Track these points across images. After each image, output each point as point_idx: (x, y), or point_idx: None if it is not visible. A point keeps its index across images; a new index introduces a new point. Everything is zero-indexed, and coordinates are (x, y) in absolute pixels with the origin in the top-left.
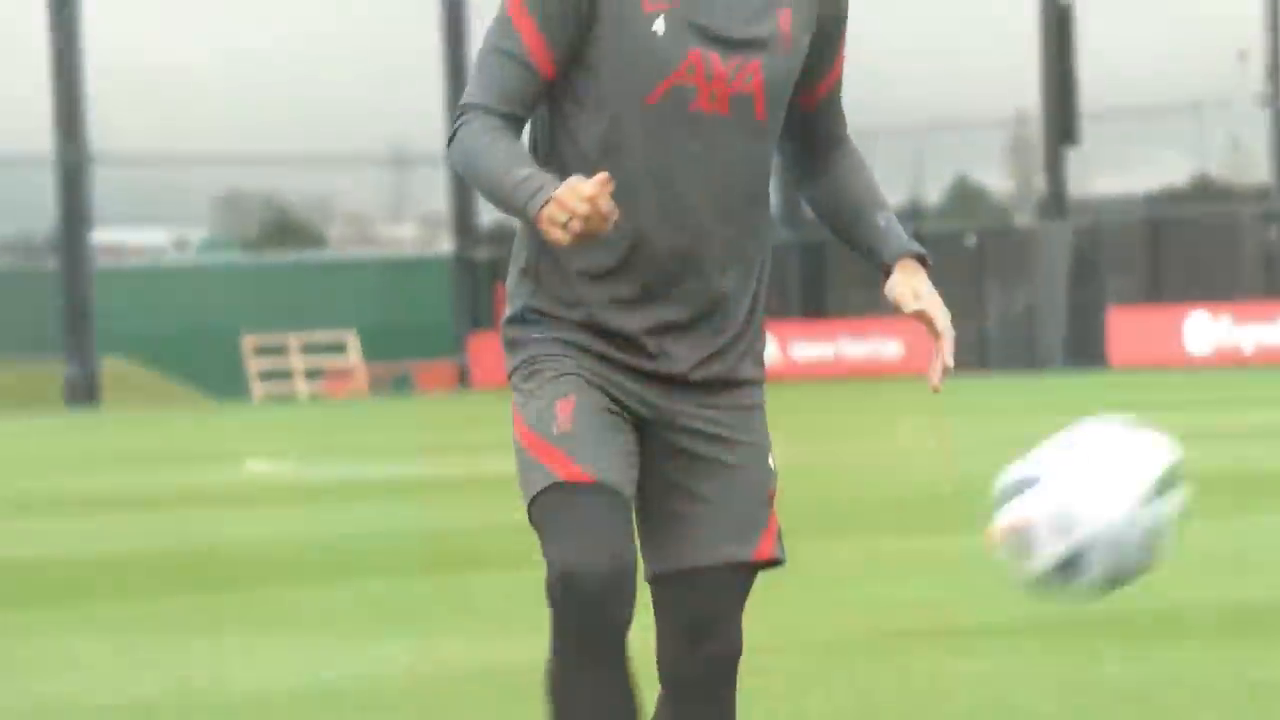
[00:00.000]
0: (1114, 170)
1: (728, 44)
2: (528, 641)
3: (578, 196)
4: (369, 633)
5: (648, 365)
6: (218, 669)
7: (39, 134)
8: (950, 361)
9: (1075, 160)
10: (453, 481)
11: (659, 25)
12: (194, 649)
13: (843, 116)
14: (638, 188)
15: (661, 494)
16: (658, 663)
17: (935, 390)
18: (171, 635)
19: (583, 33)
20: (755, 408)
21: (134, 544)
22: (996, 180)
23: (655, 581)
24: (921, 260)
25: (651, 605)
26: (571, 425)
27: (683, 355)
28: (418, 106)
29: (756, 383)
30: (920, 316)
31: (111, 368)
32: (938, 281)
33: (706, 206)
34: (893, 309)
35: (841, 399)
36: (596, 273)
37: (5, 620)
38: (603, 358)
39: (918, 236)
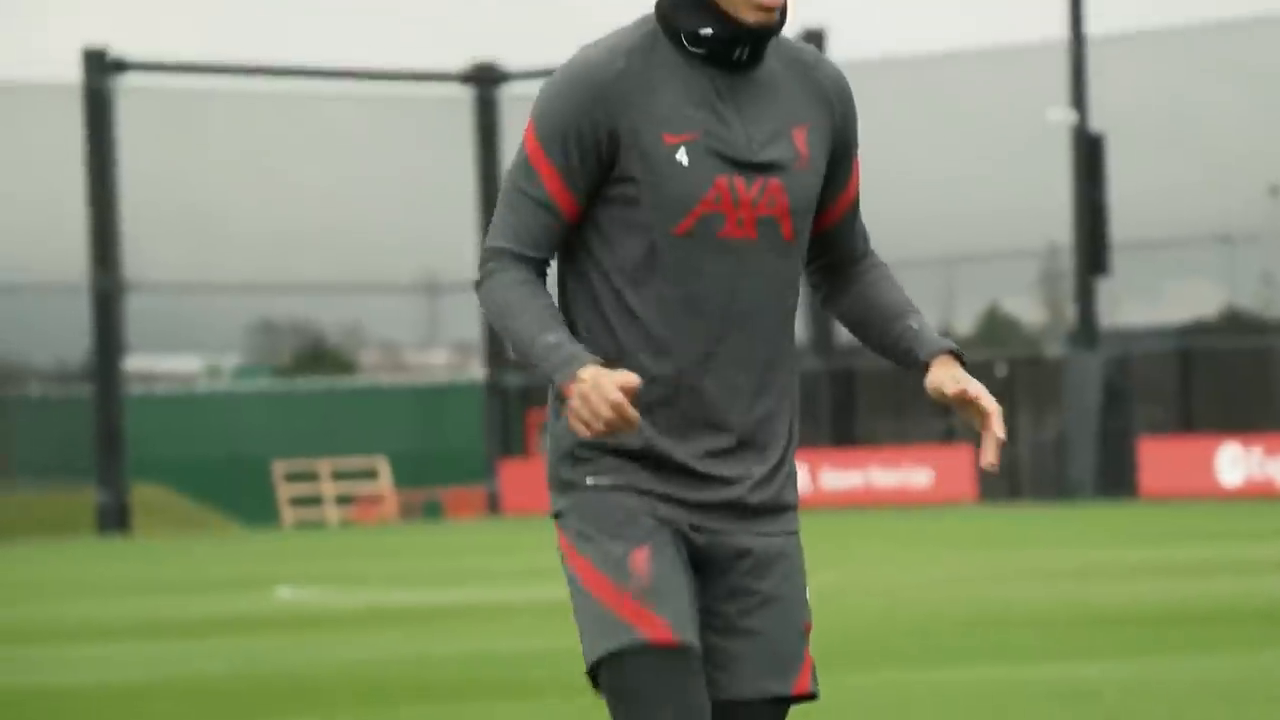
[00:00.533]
0: (1145, 301)
1: (749, 168)
2: None
3: (605, 400)
4: None
5: (703, 495)
6: None
7: (75, 262)
8: (1002, 434)
9: (1106, 291)
10: (483, 609)
11: (682, 156)
12: None
13: (865, 232)
14: (671, 316)
15: (704, 622)
16: None
17: (992, 467)
18: None
19: (605, 171)
20: (796, 534)
21: (163, 671)
22: (1028, 310)
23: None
24: (958, 357)
25: None
26: (650, 579)
27: (738, 478)
28: (450, 234)
29: (795, 508)
30: (963, 396)
31: (143, 494)
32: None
33: (741, 331)
34: (922, 438)
35: (871, 527)
36: (642, 403)
37: None
38: (659, 495)
39: None
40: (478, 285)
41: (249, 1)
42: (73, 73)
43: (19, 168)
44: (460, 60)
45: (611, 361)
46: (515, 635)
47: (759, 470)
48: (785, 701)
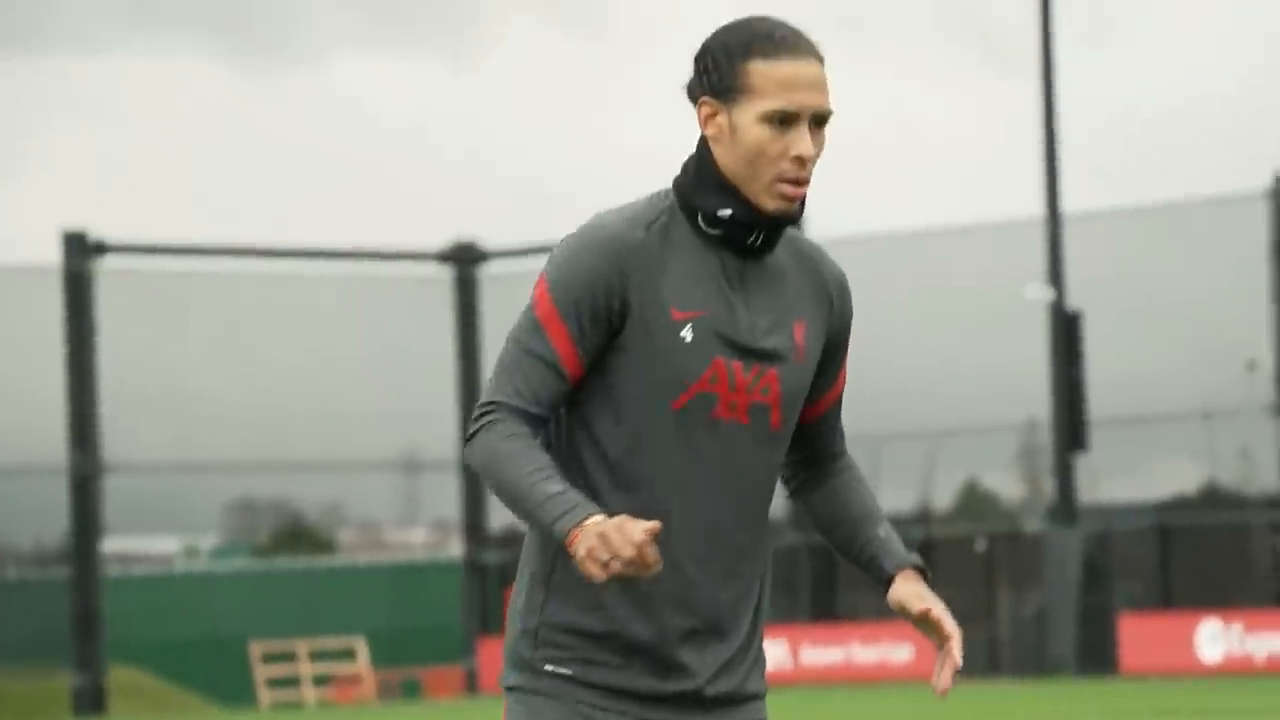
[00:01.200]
0: (1124, 477)
1: (749, 353)
2: None
3: (627, 541)
4: None
5: (664, 686)
6: None
7: (53, 444)
8: (960, 660)
9: (1085, 466)
10: None
11: (687, 333)
12: None
13: (842, 431)
14: (658, 492)
15: None
16: None
17: (943, 694)
18: None
19: (611, 338)
20: None
21: None
22: (1007, 485)
23: None
24: (923, 573)
25: None
26: None
27: (698, 667)
28: (429, 412)
29: (761, 697)
30: (926, 616)
31: (119, 677)
32: (948, 586)
33: (722, 512)
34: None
35: (852, 704)
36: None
37: None
38: (613, 689)
39: (927, 541)
40: (470, 437)
41: (228, 183)
42: (52, 255)
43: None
44: (440, 239)
45: None
46: None
47: (721, 656)
48: None
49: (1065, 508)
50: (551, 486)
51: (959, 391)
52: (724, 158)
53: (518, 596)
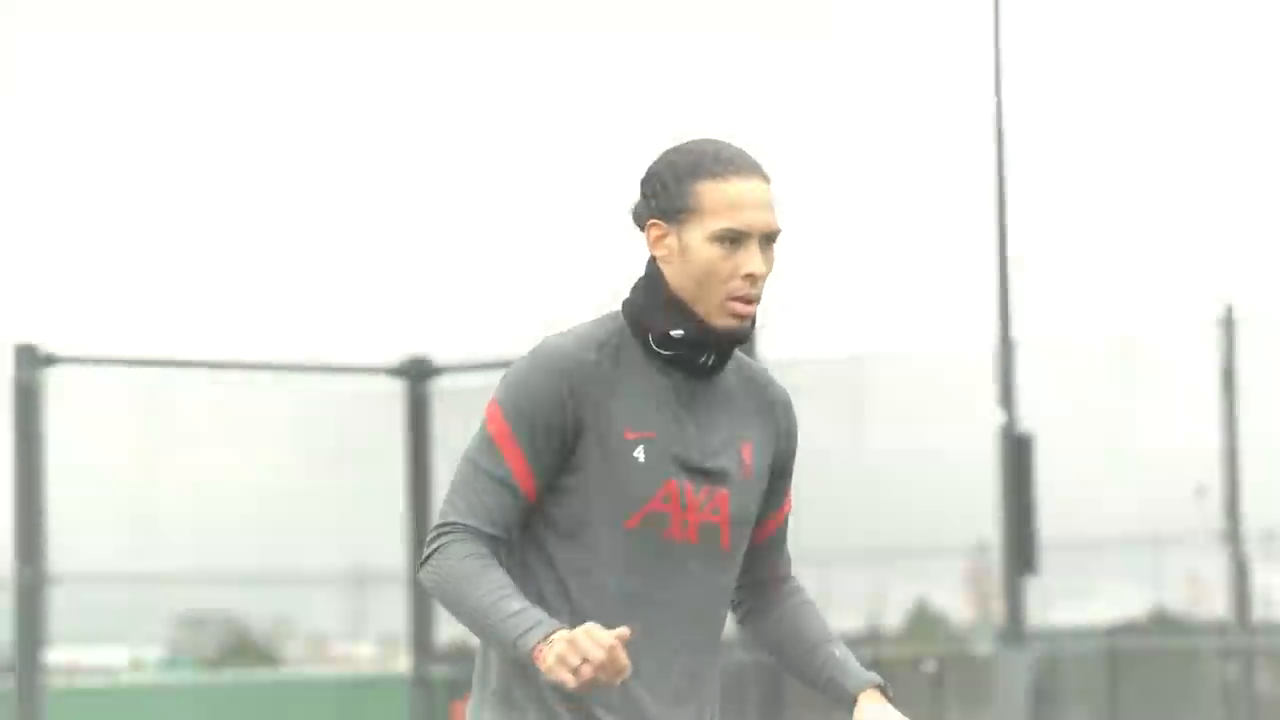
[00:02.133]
0: (1073, 600)
1: (699, 473)
2: None
3: (596, 644)
4: None
5: None
6: None
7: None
8: None
9: (1034, 589)
10: None
11: (640, 453)
12: None
13: (788, 556)
14: (611, 612)
15: None
16: None
17: None
18: None
19: (566, 458)
20: None
21: None
22: (956, 606)
23: None
24: (883, 690)
25: None
26: None
27: None
28: (379, 526)
29: None
30: None
31: None
32: (899, 707)
33: (673, 634)
34: None
35: None
36: (573, 695)
37: None
38: None
39: (877, 660)
40: (426, 559)
41: (177, 297)
42: (2, 367)
43: None
44: (391, 354)
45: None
46: None
47: None
48: None
49: (1015, 630)
50: (513, 604)
51: (909, 511)
52: (674, 278)
53: (476, 713)
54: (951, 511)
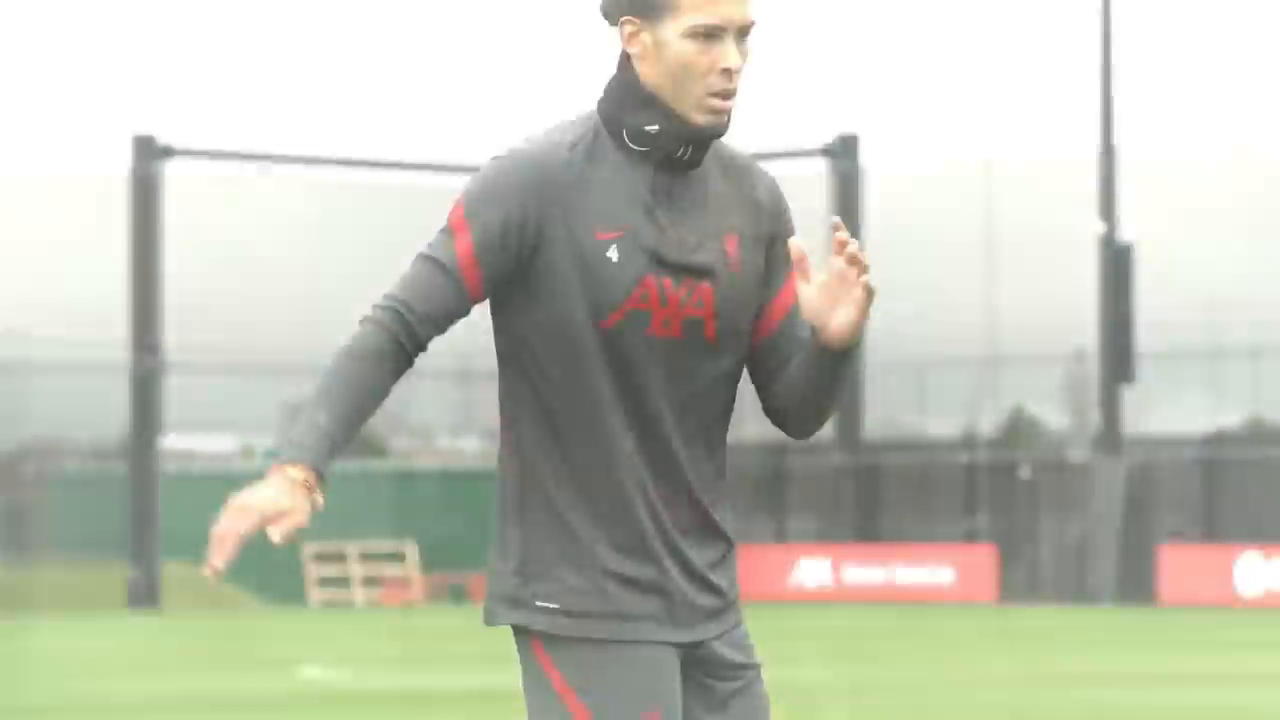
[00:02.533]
0: (1169, 409)
1: (678, 269)
2: None
3: (234, 520)
4: None
5: (645, 606)
6: None
7: (115, 344)
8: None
9: (1131, 397)
10: (506, 691)
11: (613, 253)
12: None
13: (805, 342)
14: (608, 414)
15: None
16: None
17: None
18: None
19: (524, 260)
20: (744, 626)
21: None
22: (1052, 414)
23: None
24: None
25: None
26: None
27: (671, 587)
28: (484, 322)
29: (737, 603)
30: (841, 255)
31: (173, 571)
32: (992, 511)
33: (673, 428)
34: (945, 537)
35: (893, 623)
36: (590, 514)
37: None
38: (604, 615)
39: (972, 466)
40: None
41: (292, 93)
42: (121, 161)
43: (68, 251)
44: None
45: (557, 471)
46: None
47: (693, 572)
48: None
49: (1110, 438)
50: (320, 417)
51: (1007, 319)
52: (649, 74)
53: (499, 530)
54: (1050, 318)
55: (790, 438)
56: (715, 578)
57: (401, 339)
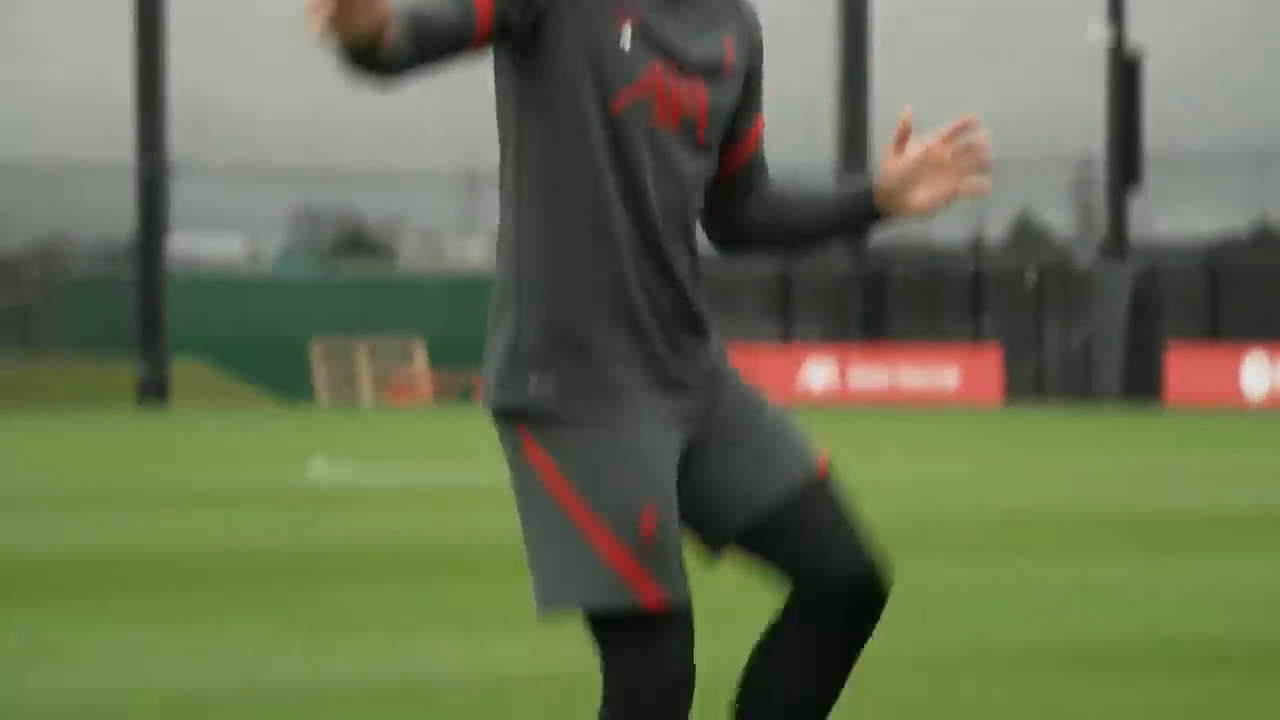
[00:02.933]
0: (1176, 214)
1: (683, 64)
2: (580, 650)
3: None
4: (424, 634)
5: (645, 375)
6: (275, 665)
7: (122, 146)
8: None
9: (1137, 203)
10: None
11: (625, 40)
12: (252, 645)
13: (768, 170)
14: (607, 202)
15: (722, 468)
16: (797, 604)
17: (979, 183)
18: (230, 631)
19: (534, 23)
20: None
21: (195, 540)
22: (1059, 219)
23: (753, 533)
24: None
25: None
26: (654, 537)
27: (666, 358)
28: (491, 126)
29: (732, 370)
30: (959, 131)
31: (182, 370)
32: (999, 316)
33: (662, 223)
34: (950, 336)
35: (899, 426)
36: (587, 298)
37: (63, 611)
38: (602, 387)
39: (979, 272)
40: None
41: None
42: None
43: (72, 55)
44: None
45: (555, 258)
46: None
47: (685, 347)
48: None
49: (1116, 242)
50: None
51: (1014, 123)
52: None
53: (495, 317)
54: (1057, 123)
55: (717, 248)
56: (706, 355)
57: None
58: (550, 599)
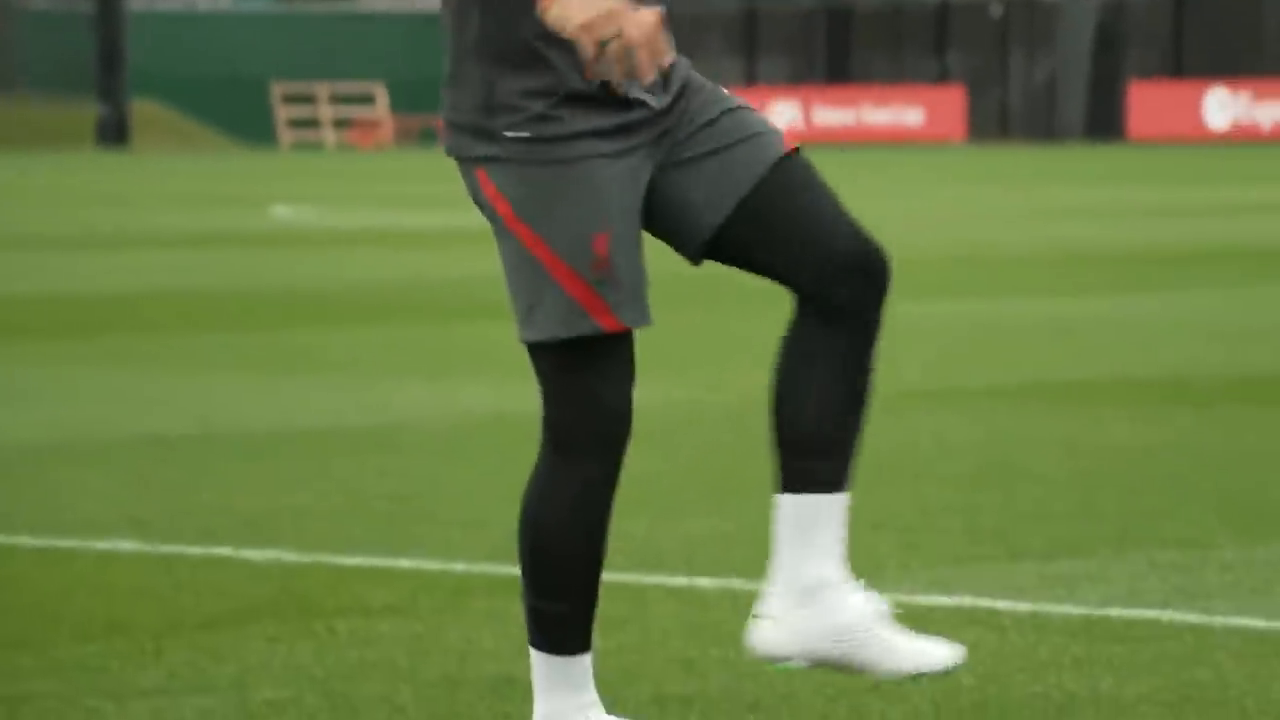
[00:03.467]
0: None
1: None
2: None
3: (637, 23)
4: (390, 376)
5: (626, 117)
6: (238, 407)
7: None
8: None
9: None
10: (474, 232)
11: None
12: (215, 386)
13: None
14: None
15: (692, 173)
16: (803, 298)
17: None
18: (193, 372)
19: None
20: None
21: (159, 281)
22: None
23: (731, 224)
24: None
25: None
26: (609, 264)
27: (644, 96)
28: None
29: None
30: None
31: (142, 110)
32: (963, 50)
33: None
34: (915, 78)
35: (862, 163)
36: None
37: (29, 350)
38: (581, 134)
39: (944, 5)
40: None
41: None
42: None
43: None
44: None
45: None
46: None
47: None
48: (788, 160)
49: None
50: None
51: None
52: None
53: (454, 64)
54: None
55: None
56: (671, 84)
57: None
58: (523, 332)
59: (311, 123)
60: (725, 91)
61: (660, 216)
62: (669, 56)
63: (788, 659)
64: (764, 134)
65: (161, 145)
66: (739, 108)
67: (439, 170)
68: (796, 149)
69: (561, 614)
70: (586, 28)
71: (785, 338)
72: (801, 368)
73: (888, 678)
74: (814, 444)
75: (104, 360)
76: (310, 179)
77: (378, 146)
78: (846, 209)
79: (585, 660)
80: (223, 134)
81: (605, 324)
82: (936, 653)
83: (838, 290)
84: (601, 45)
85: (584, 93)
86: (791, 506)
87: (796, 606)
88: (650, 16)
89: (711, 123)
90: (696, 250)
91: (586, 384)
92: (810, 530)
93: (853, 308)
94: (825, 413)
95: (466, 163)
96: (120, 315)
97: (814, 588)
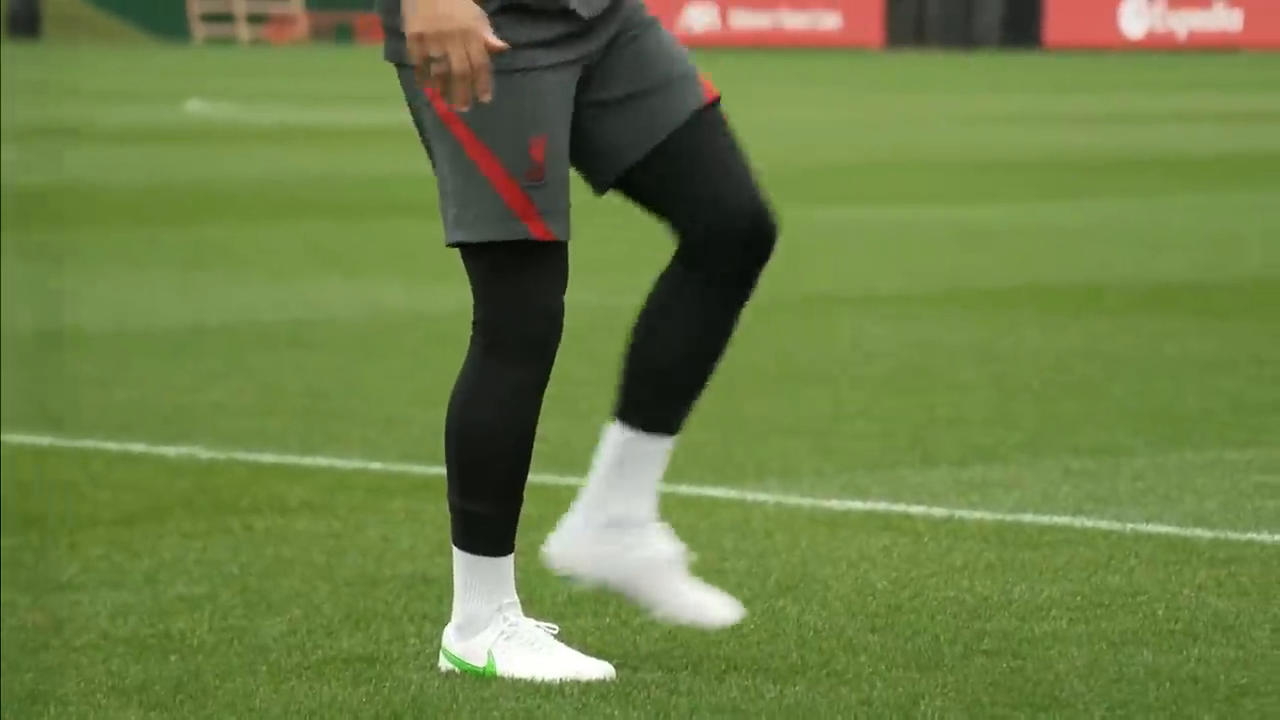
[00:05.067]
0: None
1: None
2: (459, 289)
3: (465, 52)
4: (305, 273)
5: (551, 31)
6: (152, 301)
7: None
8: None
9: None
10: (392, 130)
11: None
12: (128, 281)
13: None
14: None
15: (615, 106)
16: (688, 254)
17: None
18: (106, 267)
19: None
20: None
21: (72, 175)
22: None
23: (643, 169)
24: None
25: (642, 203)
26: (543, 169)
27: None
28: None
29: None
30: None
31: (54, 1)
32: None
33: None
34: None
35: (778, 68)
36: None
37: None
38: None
39: None
40: None
41: None
42: None
43: None
44: None
45: None
46: (422, 159)
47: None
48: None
49: None
50: None
51: None
52: None
53: None
54: None
55: None
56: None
57: None
58: (451, 233)
59: (226, 17)
60: (650, 15)
61: (575, 149)
62: (486, 96)
63: (578, 579)
64: (685, 79)
65: (73, 38)
66: (667, 45)
67: (354, 67)
68: (715, 100)
69: (487, 515)
70: (419, 39)
71: (664, 276)
72: (675, 312)
73: (663, 621)
74: (662, 385)
75: (16, 254)
76: (224, 75)
77: (293, 43)
78: (751, 172)
79: (507, 562)
80: (136, 27)
81: (536, 231)
82: (717, 609)
83: (726, 252)
84: (428, 61)
85: (521, 2)
86: (620, 438)
87: (600, 534)
88: (479, 54)
89: (637, 59)
90: (603, 185)
91: (519, 287)
92: (632, 467)
93: (735, 271)
94: (682, 361)
95: (403, 68)
96: (33, 209)
97: (621, 521)
